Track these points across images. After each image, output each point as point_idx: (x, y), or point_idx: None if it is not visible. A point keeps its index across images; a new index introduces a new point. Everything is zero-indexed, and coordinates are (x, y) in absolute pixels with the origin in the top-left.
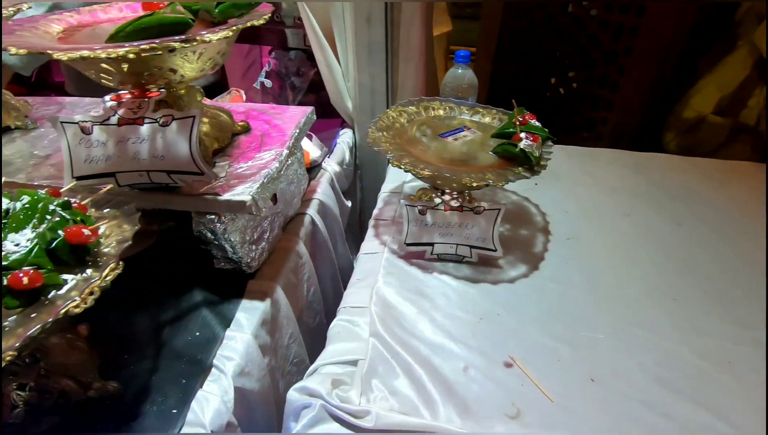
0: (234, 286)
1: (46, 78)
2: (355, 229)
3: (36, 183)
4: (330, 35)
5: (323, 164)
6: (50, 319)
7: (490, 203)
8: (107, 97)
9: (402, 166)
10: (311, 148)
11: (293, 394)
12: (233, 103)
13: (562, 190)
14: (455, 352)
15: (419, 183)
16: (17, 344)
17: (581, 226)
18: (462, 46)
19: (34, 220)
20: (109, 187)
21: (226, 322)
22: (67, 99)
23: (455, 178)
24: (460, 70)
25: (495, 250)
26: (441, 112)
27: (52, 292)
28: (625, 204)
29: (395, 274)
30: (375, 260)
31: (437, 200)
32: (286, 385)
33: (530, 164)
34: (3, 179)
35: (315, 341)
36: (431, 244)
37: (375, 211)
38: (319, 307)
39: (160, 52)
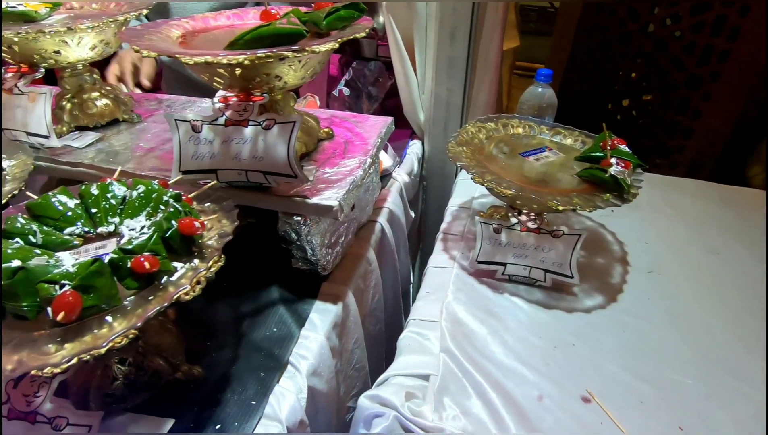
0: (308, 287)
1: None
2: (414, 240)
3: (143, 173)
4: (410, 48)
5: (393, 173)
6: (165, 304)
7: (568, 228)
8: (216, 99)
9: (485, 184)
10: (385, 158)
11: (365, 401)
12: (310, 108)
13: (642, 219)
14: (528, 378)
15: (489, 199)
16: (138, 324)
17: (663, 260)
18: (526, 62)
19: (149, 209)
20: (212, 183)
21: (301, 321)
22: (165, 97)
23: (539, 200)
24: (540, 89)
25: (572, 277)
26: (520, 130)
27: (165, 278)
28: (712, 240)
29: (465, 291)
30: (444, 275)
31: (513, 220)
32: (346, 389)
33: (621, 192)
34: (118, 169)
35: (373, 348)
36: (504, 264)
37: (443, 225)
38: (381, 315)
39: (271, 60)
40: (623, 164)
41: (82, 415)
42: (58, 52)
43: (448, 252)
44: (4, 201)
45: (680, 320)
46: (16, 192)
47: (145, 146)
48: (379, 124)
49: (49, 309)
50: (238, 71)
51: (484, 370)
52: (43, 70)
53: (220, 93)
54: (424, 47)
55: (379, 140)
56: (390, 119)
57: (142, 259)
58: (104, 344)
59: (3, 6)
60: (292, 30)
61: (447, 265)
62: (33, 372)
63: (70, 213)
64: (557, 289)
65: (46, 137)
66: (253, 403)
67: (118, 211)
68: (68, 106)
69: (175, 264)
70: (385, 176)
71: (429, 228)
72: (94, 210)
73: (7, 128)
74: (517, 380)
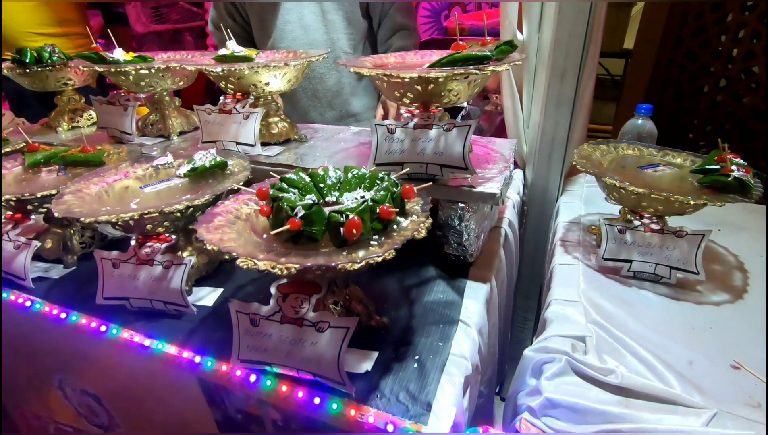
0: (459, 269)
1: None
2: None
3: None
4: (518, 88)
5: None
6: (404, 239)
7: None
8: (404, 112)
9: (617, 184)
10: None
11: (530, 354)
12: None
13: (749, 238)
14: (674, 349)
15: (595, 217)
16: (396, 246)
17: None
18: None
19: (365, 184)
20: (405, 169)
21: (460, 291)
22: (315, 126)
23: (669, 198)
24: (640, 121)
25: (698, 274)
26: (630, 151)
27: (394, 226)
28: None
29: (595, 282)
30: (572, 270)
31: (636, 223)
32: (490, 358)
33: (745, 191)
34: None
35: (499, 331)
36: (629, 262)
37: (559, 235)
38: (502, 310)
39: (458, 78)
40: (744, 170)
41: (342, 320)
42: (268, 83)
43: (570, 254)
44: (237, 186)
45: None
46: (242, 182)
47: (320, 155)
48: (507, 144)
49: (341, 228)
50: (431, 86)
51: (632, 338)
52: (253, 97)
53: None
54: (532, 87)
55: (512, 155)
56: (515, 141)
57: (386, 206)
58: (379, 255)
59: (230, 51)
60: (480, 54)
61: (572, 263)
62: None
63: (306, 186)
64: (681, 286)
65: (252, 146)
66: (440, 344)
67: (338, 186)
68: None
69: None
70: None
71: (528, 245)
72: (321, 185)
73: (218, 140)
74: (665, 349)
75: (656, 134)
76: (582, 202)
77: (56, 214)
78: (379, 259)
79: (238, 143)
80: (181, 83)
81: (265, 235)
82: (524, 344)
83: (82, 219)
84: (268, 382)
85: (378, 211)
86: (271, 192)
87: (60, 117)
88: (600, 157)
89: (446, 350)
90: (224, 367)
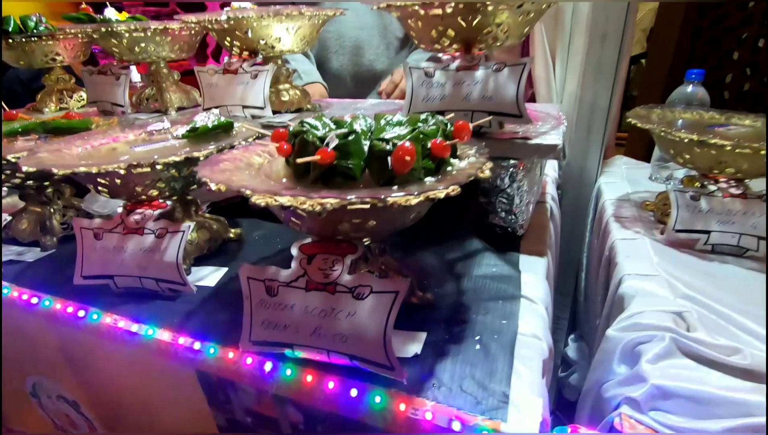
0: (507, 242)
1: None
2: None
3: None
4: (551, 53)
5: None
6: (466, 179)
7: None
8: (442, 54)
9: (695, 138)
10: None
11: (616, 334)
12: None
13: None
14: None
15: (646, 195)
16: (462, 181)
17: None
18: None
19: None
20: (451, 115)
21: (514, 265)
22: (332, 100)
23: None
24: (691, 88)
25: None
26: (688, 116)
27: (448, 169)
28: None
29: (668, 256)
30: (638, 245)
31: (712, 187)
32: None
33: None
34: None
35: None
36: (706, 232)
37: (610, 211)
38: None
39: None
40: None
41: (389, 282)
42: (279, 39)
43: (629, 229)
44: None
45: None
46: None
47: None
48: (550, 107)
49: (388, 159)
50: (476, 19)
51: (740, 313)
52: (261, 56)
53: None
54: (566, 54)
55: (560, 114)
56: (558, 106)
57: (439, 141)
58: (441, 189)
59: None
60: None
61: (635, 237)
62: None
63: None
64: None
65: (262, 108)
66: (504, 322)
67: (368, 136)
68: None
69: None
70: None
71: (564, 225)
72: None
73: (222, 105)
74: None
75: (709, 103)
76: (625, 181)
77: (24, 169)
78: (442, 195)
79: (245, 107)
80: (181, 51)
81: (285, 180)
82: (558, 346)
83: (55, 171)
84: (288, 371)
85: (429, 145)
86: (291, 128)
87: (47, 98)
88: (657, 119)
89: (511, 329)
90: (231, 354)
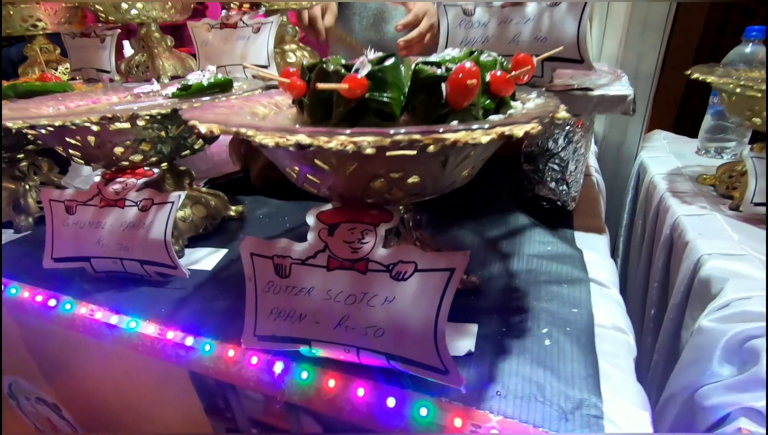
0: (558, 217)
1: None
2: None
3: None
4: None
5: None
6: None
7: None
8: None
9: None
10: None
11: (714, 326)
12: None
13: None
14: None
15: (699, 168)
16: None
17: None
18: None
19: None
20: None
21: (570, 242)
22: None
23: None
24: (750, 48)
25: None
26: (756, 74)
27: (510, 111)
28: None
29: (749, 232)
30: (708, 221)
31: None
32: None
33: None
34: None
35: None
36: None
37: (663, 186)
38: None
39: None
40: None
41: (440, 257)
42: None
43: (692, 204)
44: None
45: None
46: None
47: None
48: (598, 65)
49: (443, 85)
50: None
51: None
52: (264, 8)
53: None
54: (606, 12)
55: (615, 69)
56: (605, 63)
57: (499, 73)
58: (523, 122)
59: None
60: None
61: (704, 213)
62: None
63: None
64: None
65: (266, 66)
66: (574, 311)
67: None
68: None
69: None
70: None
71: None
72: None
73: (219, 65)
74: None
75: None
76: (671, 155)
77: None
78: (520, 132)
79: (245, 66)
80: (174, 11)
81: (298, 126)
82: None
83: (11, 124)
84: (304, 374)
85: (488, 78)
86: (305, 62)
87: (30, 70)
88: (720, 78)
89: (585, 320)
90: (231, 353)
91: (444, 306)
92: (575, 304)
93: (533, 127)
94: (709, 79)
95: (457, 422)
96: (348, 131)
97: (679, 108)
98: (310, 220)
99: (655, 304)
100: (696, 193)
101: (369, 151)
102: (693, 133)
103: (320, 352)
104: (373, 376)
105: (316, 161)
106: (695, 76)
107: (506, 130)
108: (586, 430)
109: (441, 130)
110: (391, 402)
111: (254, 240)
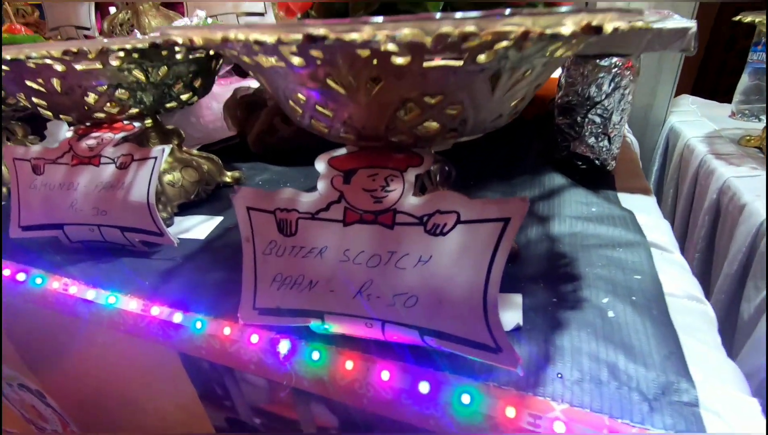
0: (595, 180)
1: None
2: None
3: None
4: None
5: None
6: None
7: None
8: None
9: None
10: None
11: None
12: None
13: None
14: None
15: (739, 132)
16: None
17: None
18: None
19: None
20: None
21: (616, 202)
22: None
23: None
24: None
25: None
26: None
27: None
28: None
29: None
30: (762, 181)
31: None
32: None
33: None
34: None
35: None
36: None
37: (703, 149)
38: None
39: None
40: None
41: (490, 205)
42: None
43: (741, 165)
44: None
45: None
46: None
47: None
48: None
49: None
50: None
51: None
52: None
53: None
54: None
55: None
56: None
57: None
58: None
59: None
60: None
61: (755, 174)
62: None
63: None
64: None
65: (262, 15)
66: (637, 278)
67: None
68: None
69: None
70: None
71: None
72: None
73: (213, 14)
74: None
75: None
76: (704, 119)
77: None
78: (610, 28)
79: (239, 15)
80: None
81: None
82: None
83: None
84: (315, 355)
85: None
86: None
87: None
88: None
89: (652, 287)
90: (227, 330)
91: (496, 267)
92: (636, 270)
93: (630, 23)
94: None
95: (510, 412)
96: (375, 18)
97: (698, 72)
98: (320, 165)
99: (698, 277)
100: (742, 154)
101: (400, 60)
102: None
103: (335, 327)
104: (401, 356)
105: (329, 82)
106: (749, 19)
107: (594, 20)
108: (680, 421)
109: (507, 12)
110: (423, 387)
111: (251, 191)
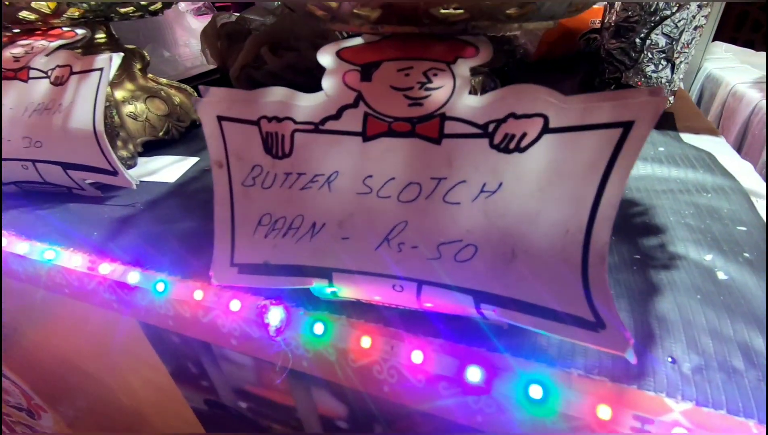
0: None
1: None
2: None
3: None
4: None
5: None
6: None
7: None
8: None
9: None
10: None
11: None
12: None
13: None
14: None
15: None
16: None
17: None
18: None
19: None
20: None
21: (685, 143)
22: None
23: None
24: None
25: None
26: None
27: None
28: None
29: None
30: None
31: None
32: None
33: None
34: None
35: None
36: None
37: (758, 95)
38: None
39: None
40: None
41: (601, 102)
42: None
43: None
44: None
45: None
46: None
47: None
48: None
49: None
50: None
51: None
52: None
53: None
54: None
55: None
56: None
57: None
58: None
59: None
60: None
61: None
62: None
63: None
64: None
65: None
66: (741, 229)
67: None
68: None
69: None
70: None
71: None
72: None
73: None
74: None
75: None
76: (746, 65)
77: None
78: None
79: None
80: None
81: None
82: None
83: None
84: (319, 328)
85: None
86: None
87: None
88: None
89: (762, 240)
90: (198, 294)
91: (607, 201)
92: (736, 219)
93: None
94: None
95: (604, 412)
96: None
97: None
98: (326, 59)
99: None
100: None
101: None
102: None
103: (347, 290)
104: (440, 331)
105: None
106: None
107: None
108: None
109: None
110: (473, 374)
111: (224, 92)
